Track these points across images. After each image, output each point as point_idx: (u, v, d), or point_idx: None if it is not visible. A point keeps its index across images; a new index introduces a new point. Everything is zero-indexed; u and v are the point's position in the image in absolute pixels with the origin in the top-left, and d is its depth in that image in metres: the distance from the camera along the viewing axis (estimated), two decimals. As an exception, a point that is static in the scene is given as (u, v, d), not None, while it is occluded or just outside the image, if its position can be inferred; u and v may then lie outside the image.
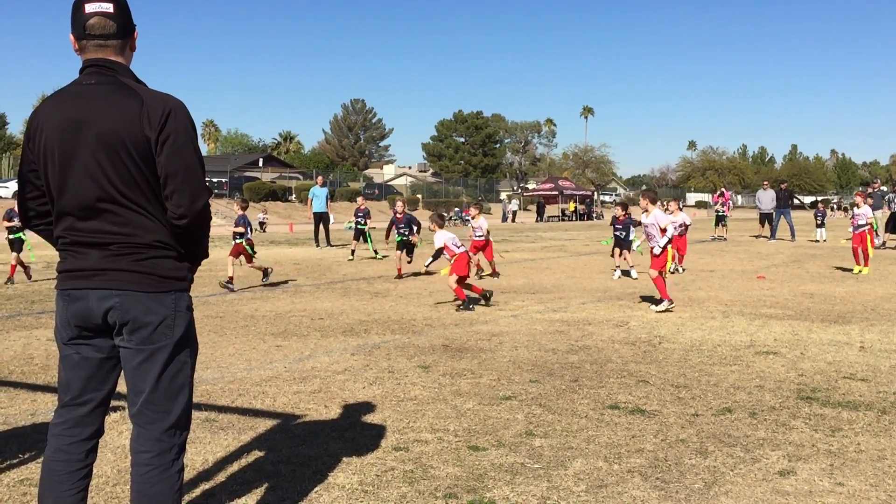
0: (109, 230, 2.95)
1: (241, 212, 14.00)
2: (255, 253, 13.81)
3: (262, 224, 38.53)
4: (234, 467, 4.57)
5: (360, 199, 21.19)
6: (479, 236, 15.47)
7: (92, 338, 3.04)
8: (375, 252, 19.94)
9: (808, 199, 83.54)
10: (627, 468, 4.57)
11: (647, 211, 11.37)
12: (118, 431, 5.10)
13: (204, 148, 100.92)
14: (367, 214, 20.24)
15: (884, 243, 24.32)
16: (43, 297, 11.94)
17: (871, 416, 5.61)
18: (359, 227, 20.07)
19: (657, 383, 6.64)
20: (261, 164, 72.84)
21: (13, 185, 46.65)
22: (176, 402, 3.06)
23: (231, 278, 13.10)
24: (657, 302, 10.96)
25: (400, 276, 15.38)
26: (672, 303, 10.88)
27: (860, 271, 15.90)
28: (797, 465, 4.60)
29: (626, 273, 15.37)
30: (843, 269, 16.63)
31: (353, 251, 19.94)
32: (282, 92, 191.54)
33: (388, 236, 17.24)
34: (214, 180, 59.46)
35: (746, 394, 6.27)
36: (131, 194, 2.93)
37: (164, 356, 3.01)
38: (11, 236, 14.22)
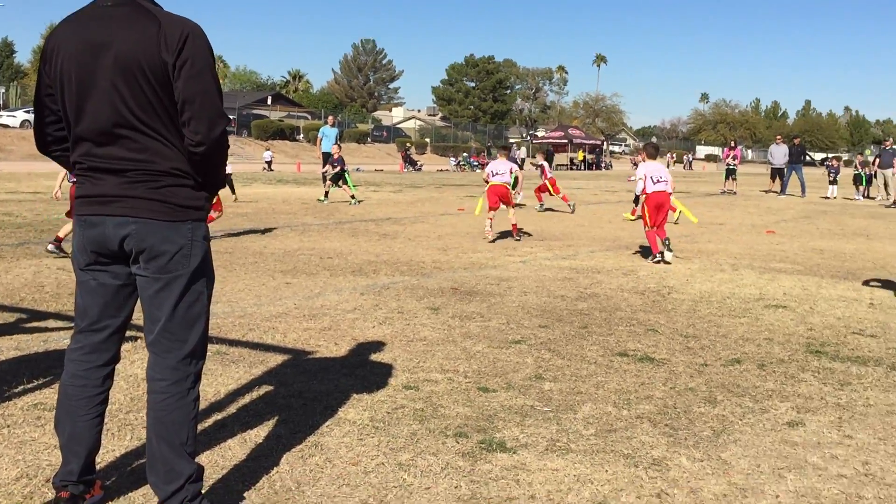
0: (126, 156, 2.90)
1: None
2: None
3: (268, 163, 38.41)
4: (246, 399, 4.60)
5: (334, 149, 20.07)
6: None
7: (109, 264, 3.02)
8: (353, 197, 19.38)
9: (818, 156, 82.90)
10: (636, 414, 4.59)
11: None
12: (130, 360, 5.12)
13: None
14: (341, 162, 19.68)
15: (894, 202, 24.19)
16: (52, 226, 11.94)
17: (880, 371, 5.62)
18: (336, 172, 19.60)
19: (666, 332, 6.64)
20: (269, 101, 72.29)
21: (21, 115, 46.43)
22: (192, 331, 3.06)
23: None
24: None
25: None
26: (657, 256, 10.60)
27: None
28: (806, 417, 4.61)
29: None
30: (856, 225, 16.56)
31: (326, 193, 19.55)
32: (291, 30, 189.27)
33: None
34: (223, 117, 59.02)
35: (755, 346, 6.27)
36: (148, 120, 2.87)
37: (181, 285, 2.99)
38: None
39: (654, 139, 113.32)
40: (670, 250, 10.52)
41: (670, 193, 11.10)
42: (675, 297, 8.18)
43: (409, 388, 4.92)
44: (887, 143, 27.89)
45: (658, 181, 10.99)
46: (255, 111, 67.32)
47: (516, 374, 5.32)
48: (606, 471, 3.77)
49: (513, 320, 6.91)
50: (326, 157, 24.10)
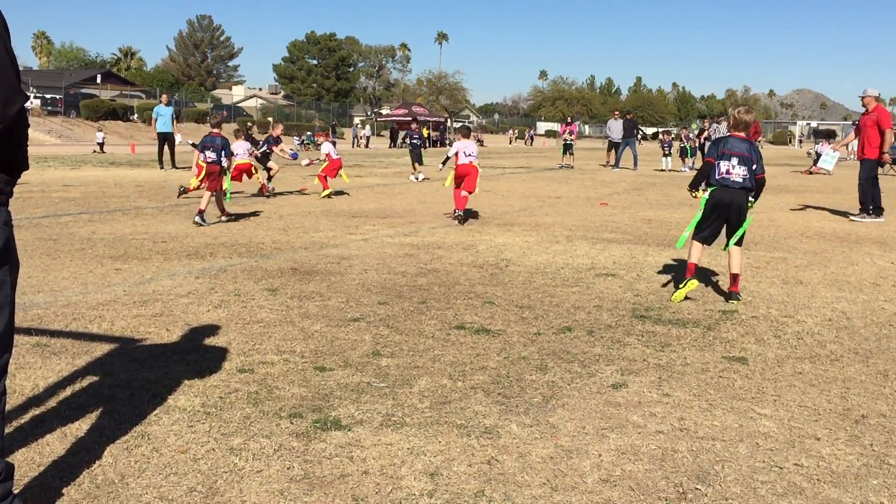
0: (-84, 138, 2.68)
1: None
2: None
3: (100, 144, 36.57)
4: (68, 392, 4.38)
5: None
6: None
7: None
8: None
9: (650, 131, 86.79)
10: (471, 385, 4.69)
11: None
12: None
13: (34, 62, 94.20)
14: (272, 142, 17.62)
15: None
16: None
17: (697, 332, 5.97)
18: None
19: (502, 304, 6.81)
20: (99, 80, 68.59)
21: None
22: (-4, 322, 2.87)
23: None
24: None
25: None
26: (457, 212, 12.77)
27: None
28: (629, 379, 4.85)
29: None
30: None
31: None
32: (121, 4, 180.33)
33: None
34: (48, 97, 55.85)
35: (586, 313, 6.53)
36: (-60, 99, 2.66)
37: (-19, 274, 2.80)
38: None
39: (496, 116, 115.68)
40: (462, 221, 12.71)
41: (476, 166, 12.95)
42: (512, 270, 8.39)
43: (243, 371, 4.83)
44: (721, 119, 29.61)
45: (468, 155, 12.99)
46: (83, 90, 63.85)
47: (354, 351, 5.32)
48: (440, 442, 3.83)
49: (352, 298, 6.89)
50: (163, 138, 23.35)
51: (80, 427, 3.89)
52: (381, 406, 4.30)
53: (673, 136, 34.13)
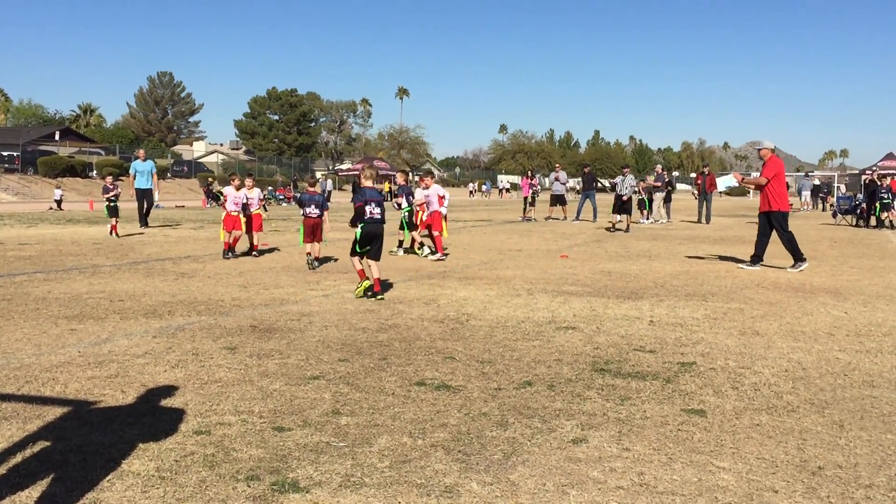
0: None
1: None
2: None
3: (58, 202, 36.21)
4: (18, 458, 4.27)
5: (400, 177, 18.60)
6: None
7: None
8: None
9: (608, 183, 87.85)
10: (431, 443, 4.66)
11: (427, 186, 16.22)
12: None
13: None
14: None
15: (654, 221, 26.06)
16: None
17: (656, 385, 6.01)
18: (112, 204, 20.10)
19: (463, 359, 6.80)
20: (57, 137, 68.14)
21: None
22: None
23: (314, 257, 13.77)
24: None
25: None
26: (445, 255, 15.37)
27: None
28: (589, 434, 4.85)
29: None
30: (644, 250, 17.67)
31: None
32: (81, 62, 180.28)
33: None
34: (5, 154, 55.34)
35: (546, 367, 6.54)
36: None
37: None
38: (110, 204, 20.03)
39: (457, 169, 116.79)
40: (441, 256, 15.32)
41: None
42: (472, 324, 8.40)
43: (200, 433, 4.75)
44: (658, 170, 30.40)
45: (441, 197, 15.89)
46: (41, 147, 63.38)
47: (313, 410, 5.27)
48: (399, 502, 3.79)
49: (312, 356, 6.84)
50: (142, 195, 22.92)
51: (31, 495, 3.79)
52: (340, 466, 4.25)
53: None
